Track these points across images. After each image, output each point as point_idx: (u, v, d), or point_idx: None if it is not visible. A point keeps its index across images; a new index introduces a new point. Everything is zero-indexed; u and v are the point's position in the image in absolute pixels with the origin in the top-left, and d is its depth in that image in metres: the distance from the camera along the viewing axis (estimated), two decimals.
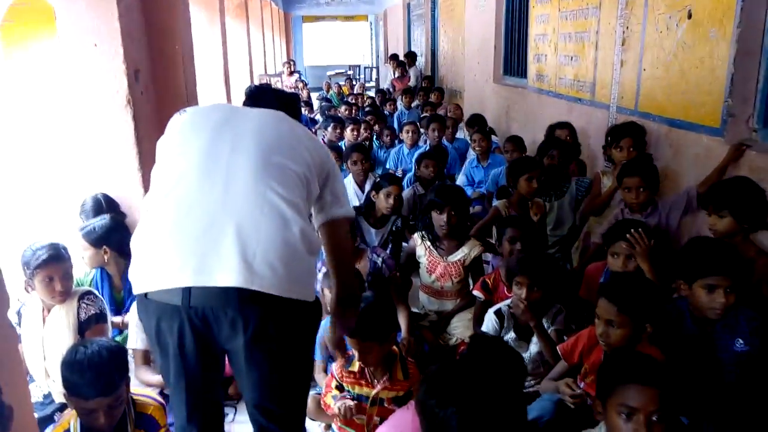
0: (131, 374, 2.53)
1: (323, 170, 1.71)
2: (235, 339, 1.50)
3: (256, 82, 10.93)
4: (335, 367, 2.42)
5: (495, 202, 3.84)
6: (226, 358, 1.67)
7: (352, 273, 1.93)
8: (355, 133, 6.05)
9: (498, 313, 2.66)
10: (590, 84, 4.30)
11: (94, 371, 1.85)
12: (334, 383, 2.41)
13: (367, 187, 4.45)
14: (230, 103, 1.78)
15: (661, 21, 3.34)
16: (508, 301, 2.69)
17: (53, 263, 2.46)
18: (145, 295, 1.50)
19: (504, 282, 2.95)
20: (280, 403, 1.64)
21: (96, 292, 2.67)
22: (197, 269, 1.43)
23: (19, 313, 2.57)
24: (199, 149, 1.57)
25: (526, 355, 2.59)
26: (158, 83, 3.83)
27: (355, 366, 2.36)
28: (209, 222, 1.46)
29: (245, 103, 1.89)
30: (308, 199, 1.64)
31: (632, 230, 2.54)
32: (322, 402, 2.43)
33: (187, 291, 1.44)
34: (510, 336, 2.64)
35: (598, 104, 4.18)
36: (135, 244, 1.57)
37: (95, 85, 3.34)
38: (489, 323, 2.67)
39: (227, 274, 1.42)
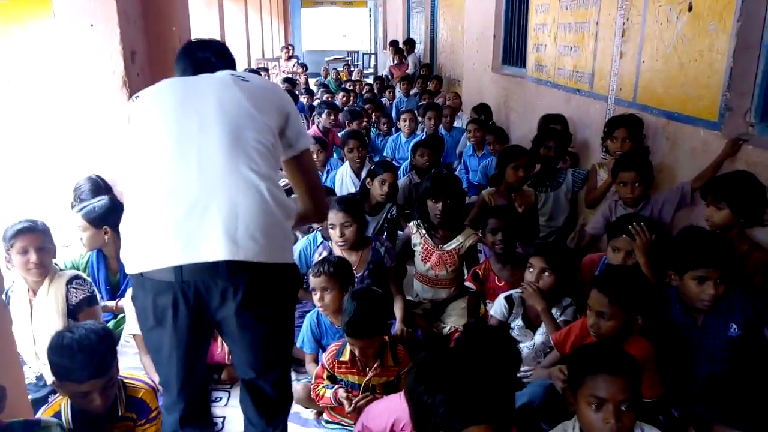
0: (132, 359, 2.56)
1: (282, 115, 1.78)
2: (225, 307, 1.61)
3: (254, 66, 10.86)
4: (325, 357, 2.43)
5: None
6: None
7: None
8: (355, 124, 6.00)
9: (509, 298, 2.67)
10: (589, 75, 4.28)
11: (85, 354, 1.86)
12: (325, 374, 2.43)
13: (364, 174, 4.45)
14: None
15: (661, 13, 3.32)
16: (518, 290, 2.68)
17: (27, 233, 2.45)
18: (141, 274, 1.60)
19: (494, 272, 2.96)
20: (271, 362, 1.78)
21: (84, 276, 2.64)
22: (185, 248, 1.54)
23: (7, 295, 2.55)
24: (169, 134, 1.64)
25: (530, 344, 2.60)
26: (154, 65, 3.80)
27: (346, 355, 2.38)
28: (191, 203, 1.56)
29: (189, 70, 1.88)
30: (276, 162, 1.75)
31: (634, 223, 2.54)
32: (313, 393, 2.45)
33: (179, 268, 1.55)
34: (517, 323, 2.65)
35: (596, 95, 4.17)
36: (124, 228, 1.66)
37: (91, 66, 3.31)
38: (498, 308, 2.69)
39: (214, 250, 1.54)
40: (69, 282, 2.52)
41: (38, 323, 2.48)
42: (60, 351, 1.87)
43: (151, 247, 1.57)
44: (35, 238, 2.47)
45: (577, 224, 3.68)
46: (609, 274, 2.20)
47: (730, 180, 2.46)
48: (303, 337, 2.74)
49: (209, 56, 1.90)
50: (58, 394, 2.05)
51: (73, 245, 3.27)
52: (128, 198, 1.68)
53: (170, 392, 1.76)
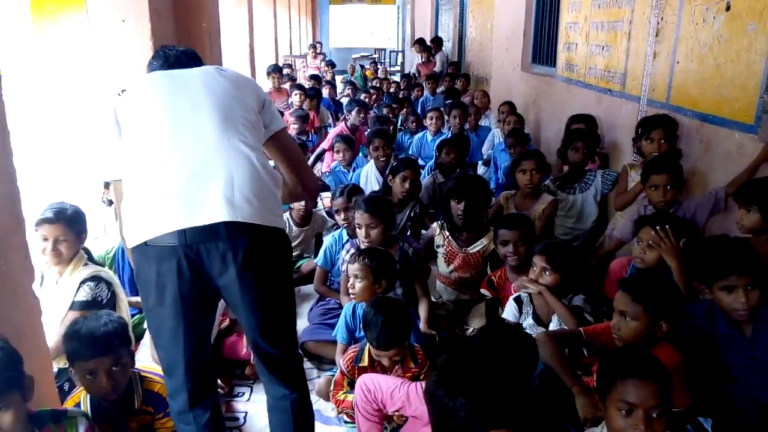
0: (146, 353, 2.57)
1: (260, 100, 1.95)
2: (227, 270, 1.71)
3: (281, 63, 10.92)
4: (343, 363, 2.42)
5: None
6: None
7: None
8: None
9: (517, 299, 2.65)
10: (621, 75, 4.20)
11: (90, 332, 1.93)
12: (345, 381, 2.42)
13: None
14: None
15: (697, 12, 3.24)
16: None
17: (48, 224, 2.47)
18: (145, 243, 1.68)
19: (510, 281, 2.91)
20: (275, 326, 1.87)
21: (106, 277, 2.60)
22: (188, 213, 1.66)
23: (42, 277, 2.59)
24: (164, 115, 1.78)
25: None
26: None
27: (365, 360, 2.37)
28: (189, 173, 1.69)
29: (166, 66, 2.04)
30: (260, 138, 1.91)
31: (657, 228, 2.48)
32: (333, 399, 2.44)
33: (183, 232, 1.65)
34: (528, 322, 2.62)
35: (628, 96, 4.09)
36: (127, 207, 1.76)
37: (122, 60, 3.35)
38: (510, 311, 2.66)
39: (214, 212, 1.66)
40: (84, 281, 2.50)
41: (51, 307, 2.49)
42: (71, 335, 1.95)
43: (155, 215, 1.67)
44: (56, 229, 2.48)
45: (607, 227, 3.60)
46: (635, 276, 2.16)
47: (763, 184, 2.39)
48: (338, 328, 2.75)
49: (182, 56, 2.08)
50: (77, 387, 2.08)
51: (101, 238, 3.32)
52: (128, 180, 1.77)
53: (176, 376, 1.80)
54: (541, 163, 3.59)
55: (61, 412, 1.81)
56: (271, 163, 1.96)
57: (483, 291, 2.97)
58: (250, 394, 2.72)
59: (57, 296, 2.52)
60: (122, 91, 1.89)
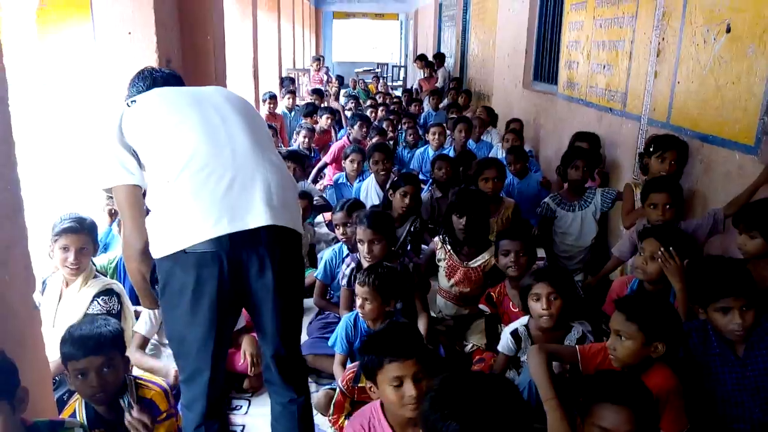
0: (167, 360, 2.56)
1: None
2: (264, 275, 1.77)
3: (284, 76, 10.98)
4: (342, 384, 2.39)
5: None
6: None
7: None
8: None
9: (514, 334, 2.55)
10: (622, 94, 4.23)
11: (83, 333, 1.95)
12: (347, 402, 2.37)
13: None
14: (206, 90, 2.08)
15: (698, 34, 3.28)
16: (523, 321, 2.58)
17: (71, 233, 2.50)
18: (184, 251, 1.69)
19: (509, 297, 2.89)
20: (294, 330, 1.97)
21: (116, 289, 2.63)
22: (231, 218, 1.70)
23: (44, 284, 2.60)
24: (197, 124, 1.81)
25: None
26: (189, 73, 3.87)
27: (364, 380, 2.35)
28: (229, 181, 1.73)
29: (162, 84, 2.07)
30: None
31: (661, 250, 2.48)
32: (335, 426, 2.39)
33: (226, 237, 1.68)
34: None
35: (628, 115, 4.12)
36: (159, 215, 1.75)
37: (127, 72, 3.36)
38: (505, 343, 2.57)
39: (257, 217, 1.72)
40: (97, 295, 2.53)
41: (60, 318, 2.51)
42: (66, 337, 1.97)
43: (197, 222, 1.69)
44: (78, 239, 2.51)
45: (607, 245, 3.60)
46: (631, 296, 2.16)
47: (763, 208, 2.38)
48: (336, 337, 2.73)
49: (170, 78, 2.14)
50: (74, 396, 2.07)
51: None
52: (159, 190, 1.76)
53: (198, 384, 1.81)
54: (501, 171, 3.88)
55: (58, 422, 1.80)
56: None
57: (481, 306, 2.96)
58: (248, 407, 2.71)
59: (67, 307, 2.53)
60: (132, 102, 1.89)
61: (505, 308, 2.91)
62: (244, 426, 2.59)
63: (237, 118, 1.88)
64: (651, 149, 3.32)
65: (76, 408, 2.03)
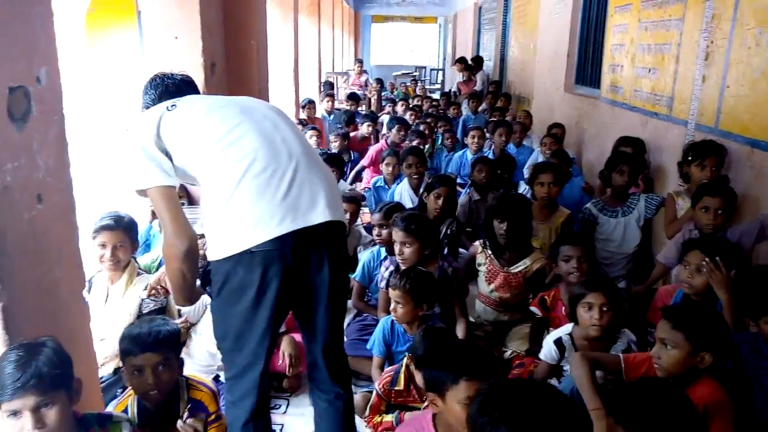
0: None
1: None
2: (322, 271, 1.86)
3: (323, 80, 11.08)
4: (379, 386, 2.39)
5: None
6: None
7: None
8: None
9: (558, 342, 2.50)
10: (668, 98, 4.14)
11: (142, 330, 2.02)
12: (383, 404, 2.39)
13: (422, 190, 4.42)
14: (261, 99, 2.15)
15: (750, 36, 3.18)
16: (567, 329, 2.54)
17: (107, 230, 2.58)
18: (249, 251, 1.74)
19: (563, 302, 2.85)
20: (341, 324, 2.07)
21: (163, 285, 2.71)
22: (294, 218, 1.78)
23: (90, 282, 2.67)
24: (254, 129, 1.88)
25: None
26: (232, 77, 3.94)
27: (401, 384, 2.35)
28: (289, 182, 1.82)
29: (170, 90, 2.14)
30: None
31: (707, 260, 2.41)
32: (369, 425, 2.39)
33: (291, 235, 1.76)
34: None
35: (674, 120, 4.02)
36: (223, 217, 1.79)
37: None
38: (548, 352, 2.52)
39: (318, 214, 1.82)
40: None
41: (108, 315, 2.58)
42: (126, 334, 2.04)
43: (262, 222, 1.75)
44: (115, 235, 2.59)
45: (651, 253, 3.52)
46: (678, 304, 2.11)
47: None
48: (374, 340, 2.74)
49: (182, 85, 2.20)
50: (126, 391, 2.13)
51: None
52: (222, 193, 1.80)
53: (248, 378, 1.85)
54: (558, 175, 3.66)
55: (106, 416, 1.85)
56: None
57: (533, 309, 2.92)
58: (287, 407, 2.74)
59: (114, 305, 2.60)
60: (172, 106, 1.92)
61: (557, 313, 2.88)
62: (282, 425, 2.62)
63: (284, 124, 1.98)
64: (690, 158, 3.24)
65: (129, 403, 2.08)
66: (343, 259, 1.96)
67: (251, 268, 1.75)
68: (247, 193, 1.77)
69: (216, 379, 2.59)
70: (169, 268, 1.89)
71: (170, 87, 2.14)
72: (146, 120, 1.90)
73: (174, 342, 2.08)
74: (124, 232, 2.62)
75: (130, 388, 2.11)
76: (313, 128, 6.34)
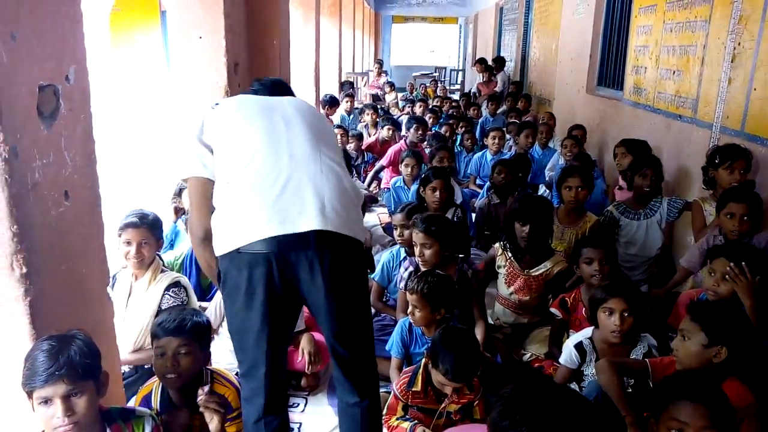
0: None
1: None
2: (314, 278, 1.79)
3: (344, 80, 11.11)
4: (397, 387, 2.38)
5: None
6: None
7: None
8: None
9: (579, 347, 2.47)
10: (692, 101, 4.09)
11: (170, 317, 2.10)
12: (400, 405, 2.37)
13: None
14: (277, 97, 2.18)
15: None
16: (587, 333, 2.51)
17: (132, 228, 2.62)
18: (238, 251, 1.75)
19: (584, 304, 2.82)
20: (353, 332, 1.95)
21: (183, 282, 2.73)
22: (281, 221, 1.74)
23: (114, 278, 2.71)
24: (261, 129, 1.91)
25: None
26: (255, 76, 3.96)
27: (418, 385, 2.33)
28: (284, 184, 1.79)
29: (261, 93, 2.20)
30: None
31: (732, 265, 2.38)
32: (386, 425, 2.35)
33: (275, 239, 1.73)
34: (591, 371, 2.46)
35: (699, 122, 3.97)
36: (220, 215, 1.84)
37: (197, 75, 3.49)
38: (568, 356, 2.49)
39: (307, 222, 1.76)
40: (167, 288, 2.64)
41: (130, 312, 2.62)
42: (156, 321, 2.13)
43: (249, 223, 1.75)
44: (139, 233, 2.63)
45: (672, 257, 3.47)
46: (704, 301, 2.10)
47: None
48: (392, 341, 2.74)
49: (283, 87, 2.28)
50: (152, 377, 2.17)
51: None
52: (221, 189, 1.87)
53: (255, 377, 1.86)
54: (587, 179, 3.60)
55: (130, 410, 1.88)
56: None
57: (553, 310, 2.90)
58: (305, 406, 2.75)
59: (137, 301, 2.64)
60: (215, 104, 2.04)
61: (578, 314, 2.85)
62: (300, 423, 2.63)
63: (301, 125, 1.95)
64: (717, 161, 3.20)
65: (153, 389, 2.12)
66: (345, 269, 1.85)
67: (240, 269, 1.76)
68: (239, 193, 1.80)
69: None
70: (196, 254, 2.04)
71: (254, 85, 2.26)
72: (197, 116, 2.03)
73: (199, 332, 2.12)
74: (148, 230, 2.65)
75: (154, 377, 2.15)
76: (339, 126, 6.43)
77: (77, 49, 1.85)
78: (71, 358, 1.58)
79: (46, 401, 1.57)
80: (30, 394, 1.58)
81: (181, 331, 2.06)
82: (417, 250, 2.92)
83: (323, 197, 1.80)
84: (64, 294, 1.81)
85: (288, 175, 1.81)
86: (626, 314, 2.32)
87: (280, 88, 2.25)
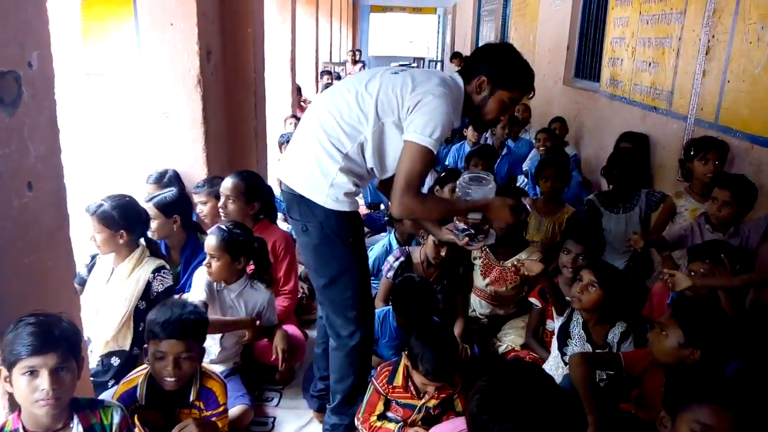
0: None
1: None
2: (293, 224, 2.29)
3: (321, 70, 11.01)
4: (377, 381, 2.35)
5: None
6: None
7: None
8: None
9: (564, 330, 2.55)
10: (667, 93, 4.11)
11: (172, 315, 1.99)
12: (381, 401, 2.34)
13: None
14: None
15: (751, 31, 3.15)
16: (560, 321, 2.56)
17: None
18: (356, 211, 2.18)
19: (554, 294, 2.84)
20: (315, 285, 2.33)
21: (168, 266, 2.66)
22: (281, 163, 2.29)
23: (93, 258, 2.67)
24: (312, 104, 2.27)
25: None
26: (228, 65, 3.89)
27: (399, 380, 2.31)
28: (293, 141, 2.27)
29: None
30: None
31: (708, 260, 2.42)
32: (364, 424, 2.34)
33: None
34: (577, 330, 2.53)
35: (674, 114, 4.00)
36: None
37: (168, 63, 3.41)
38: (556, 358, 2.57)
39: (283, 170, 2.23)
40: (156, 271, 2.55)
41: (108, 294, 2.52)
42: (155, 313, 2.02)
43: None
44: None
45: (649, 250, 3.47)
46: (691, 298, 2.11)
47: None
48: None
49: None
50: (138, 370, 2.12)
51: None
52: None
53: (367, 312, 2.27)
54: (561, 170, 3.68)
55: (98, 401, 1.84)
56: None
57: (532, 300, 2.91)
58: (279, 399, 2.73)
59: (118, 284, 2.54)
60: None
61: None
62: (275, 418, 2.60)
63: (322, 106, 2.15)
64: (692, 153, 3.22)
65: (139, 382, 2.06)
66: (301, 222, 2.14)
67: (358, 223, 2.25)
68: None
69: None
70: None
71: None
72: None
73: (199, 331, 2.07)
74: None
75: (139, 369, 2.11)
76: (293, 116, 6.47)
77: (41, 34, 1.78)
78: (64, 331, 1.58)
79: (32, 372, 1.53)
80: (10, 367, 1.54)
81: (185, 335, 1.99)
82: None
83: (299, 158, 2.17)
84: (28, 287, 1.75)
85: (297, 137, 2.27)
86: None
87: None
